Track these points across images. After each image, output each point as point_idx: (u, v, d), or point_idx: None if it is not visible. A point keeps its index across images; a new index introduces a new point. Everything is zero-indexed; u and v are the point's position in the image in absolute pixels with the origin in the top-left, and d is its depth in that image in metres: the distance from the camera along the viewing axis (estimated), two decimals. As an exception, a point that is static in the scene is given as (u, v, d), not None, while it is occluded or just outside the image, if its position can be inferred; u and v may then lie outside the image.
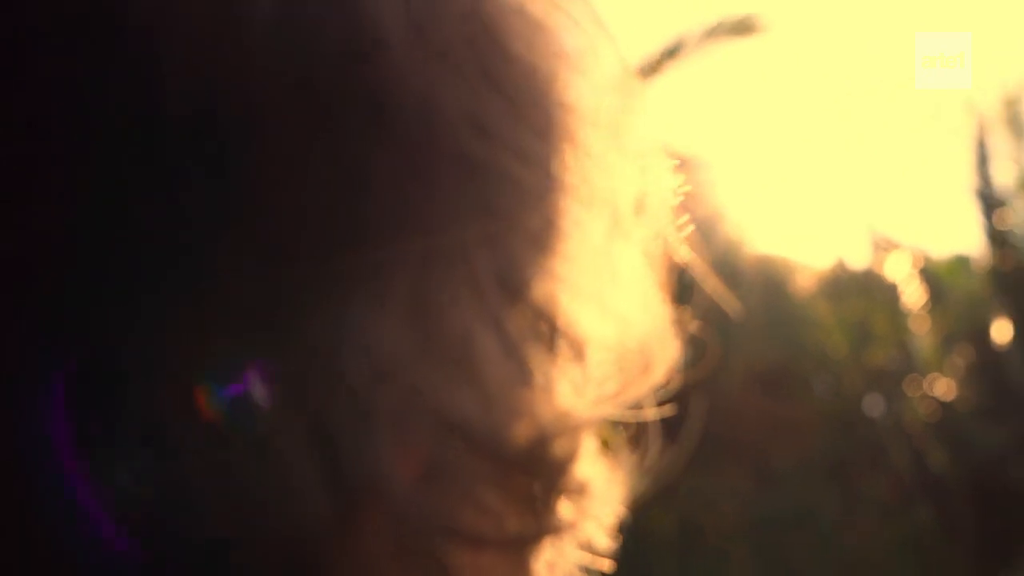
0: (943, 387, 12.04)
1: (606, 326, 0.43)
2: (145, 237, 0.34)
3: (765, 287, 11.80)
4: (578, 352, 0.42)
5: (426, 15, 0.38)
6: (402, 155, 0.36)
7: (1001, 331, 11.73)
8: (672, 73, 11.21)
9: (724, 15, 11.14)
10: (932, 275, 12.16)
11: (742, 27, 11.13)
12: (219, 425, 0.34)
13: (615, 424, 0.45)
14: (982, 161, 11.88)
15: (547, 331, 0.40)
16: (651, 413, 0.47)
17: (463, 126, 0.37)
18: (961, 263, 12.39)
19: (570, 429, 0.41)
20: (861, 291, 12.25)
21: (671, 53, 11.12)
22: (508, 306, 0.39)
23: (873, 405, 12.66)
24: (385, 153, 0.36)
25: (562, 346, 0.41)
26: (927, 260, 12.29)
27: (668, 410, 0.47)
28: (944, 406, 12.01)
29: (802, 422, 11.58)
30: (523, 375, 0.39)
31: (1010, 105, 11.78)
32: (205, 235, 0.34)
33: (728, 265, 11.72)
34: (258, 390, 0.35)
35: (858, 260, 12.60)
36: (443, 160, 0.37)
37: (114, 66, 0.34)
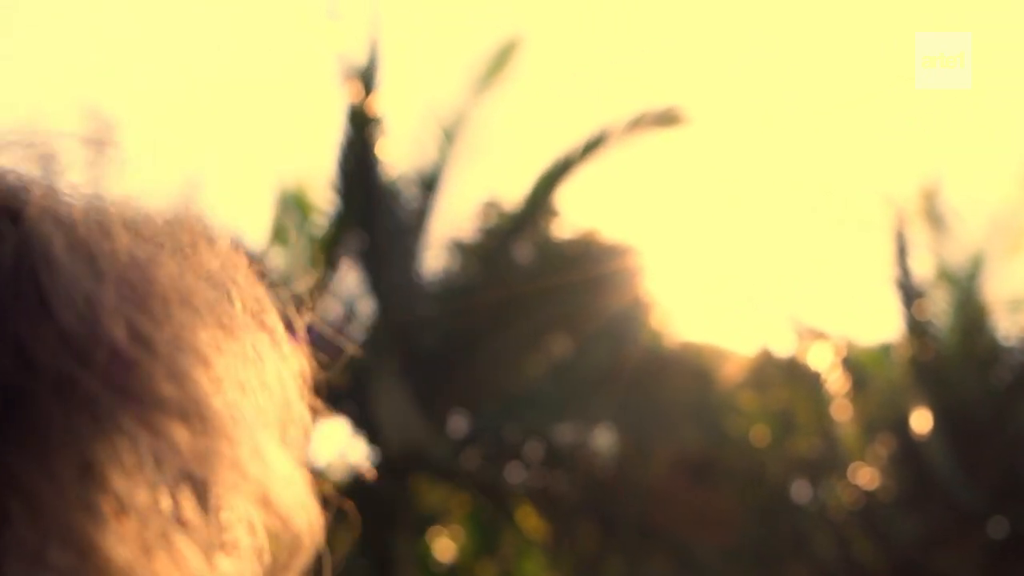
0: (866, 476, 12.12)
1: None
2: None
3: (690, 375, 11.85)
4: None
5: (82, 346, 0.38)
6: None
7: (921, 420, 11.83)
8: (597, 163, 11.33)
9: (648, 106, 11.32)
10: (855, 364, 12.27)
11: (666, 118, 11.29)
12: None
13: None
14: (901, 252, 12.07)
15: None
16: None
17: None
18: (883, 352, 12.53)
19: None
20: (785, 379, 12.33)
21: (595, 143, 11.25)
22: None
23: (797, 493, 12.70)
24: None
25: None
26: (850, 349, 12.41)
27: None
28: (867, 494, 12.08)
29: (726, 510, 11.58)
30: None
31: (928, 197, 12.02)
32: None
33: (654, 352, 11.78)
34: None
35: (782, 349, 12.71)
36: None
37: None
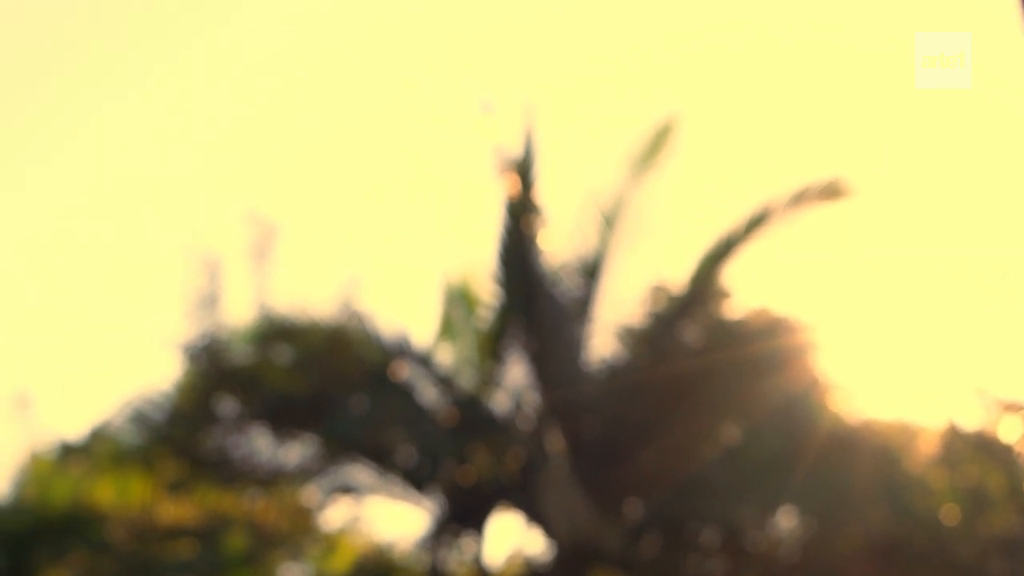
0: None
1: None
2: None
3: (874, 453, 11.46)
4: None
5: None
6: None
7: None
8: (762, 240, 11.14)
9: (811, 179, 11.10)
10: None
11: (830, 191, 11.05)
12: None
13: None
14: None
15: None
16: None
17: None
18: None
19: None
20: (975, 454, 11.85)
21: (758, 220, 11.07)
22: None
23: (993, 573, 12.15)
24: None
25: None
26: (1041, 419, 11.87)
27: None
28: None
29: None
30: None
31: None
32: None
33: (836, 431, 11.42)
34: None
35: (970, 422, 12.20)
36: None
37: None
